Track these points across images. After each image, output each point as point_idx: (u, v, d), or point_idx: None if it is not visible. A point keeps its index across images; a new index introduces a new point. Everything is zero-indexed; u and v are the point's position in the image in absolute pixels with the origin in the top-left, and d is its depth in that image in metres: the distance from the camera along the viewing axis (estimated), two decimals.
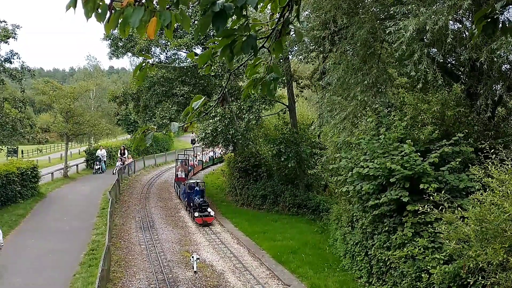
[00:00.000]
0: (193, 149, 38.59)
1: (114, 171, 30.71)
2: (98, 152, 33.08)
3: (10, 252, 13.32)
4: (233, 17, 2.45)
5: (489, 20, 2.69)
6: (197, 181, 21.75)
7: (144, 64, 2.86)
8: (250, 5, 2.32)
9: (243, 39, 2.47)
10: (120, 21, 2.36)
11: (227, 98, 23.05)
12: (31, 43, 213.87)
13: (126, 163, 32.46)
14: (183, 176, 26.94)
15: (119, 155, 33.64)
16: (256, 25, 2.63)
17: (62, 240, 15.22)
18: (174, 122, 2.89)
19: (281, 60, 19.17)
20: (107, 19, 2.37)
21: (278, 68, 2.79)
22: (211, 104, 3.11)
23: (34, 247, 14.25)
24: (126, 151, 33.65)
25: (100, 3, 2.33)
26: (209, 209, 19.03)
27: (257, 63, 2.79)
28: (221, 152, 40.17)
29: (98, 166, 32.36)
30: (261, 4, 2.54)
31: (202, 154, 38.50)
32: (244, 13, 2.38)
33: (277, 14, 2.69)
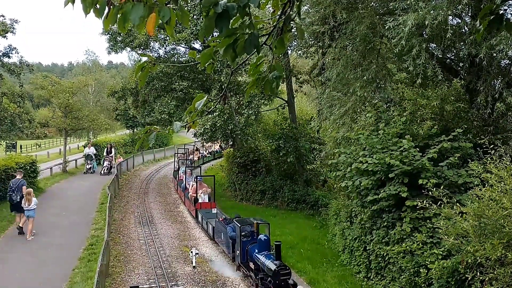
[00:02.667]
0: (194, 143, 38.33)
1: (101, 172, 28.68)
2: (86, 150, 30.01)
3: (8, 247, 13.34)
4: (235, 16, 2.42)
5: (493, 17, 2.67)
6: (256, 220, 12.28)
7: (146, 65, 2.84)
8: (252, 4, 2.29)
9: (245, 38, 2.45)
10: (119, 16, 2.34)
11: (226, 94, 23.03)
12: (31, 43, 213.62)
13: (113, 163, 29.24)
14: (207, 201, 18.16)
15: (105, 154, 30.52)
16: (257, 23, 2.61)
17: (61, 235, 15.23)
18: (176, 122, 2.90)
19: (280, 55, 19.12)
20: (106, 15, 2.36)
21: (280, 66, 2.77)
22: (210, 99, 3.10)
23: (33, 242, 14.25)
24: (113, 150, 30.88)
25: None
26: (292, 281, 10.32)
27: (259, 62, 2.77)
28: (198, 157, 37.82)
29: (90, 166, 29.42)
30: (262, 1, 2.51)
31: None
32: (247, 11, 2.35)
33: (278, 11, 2.66)
